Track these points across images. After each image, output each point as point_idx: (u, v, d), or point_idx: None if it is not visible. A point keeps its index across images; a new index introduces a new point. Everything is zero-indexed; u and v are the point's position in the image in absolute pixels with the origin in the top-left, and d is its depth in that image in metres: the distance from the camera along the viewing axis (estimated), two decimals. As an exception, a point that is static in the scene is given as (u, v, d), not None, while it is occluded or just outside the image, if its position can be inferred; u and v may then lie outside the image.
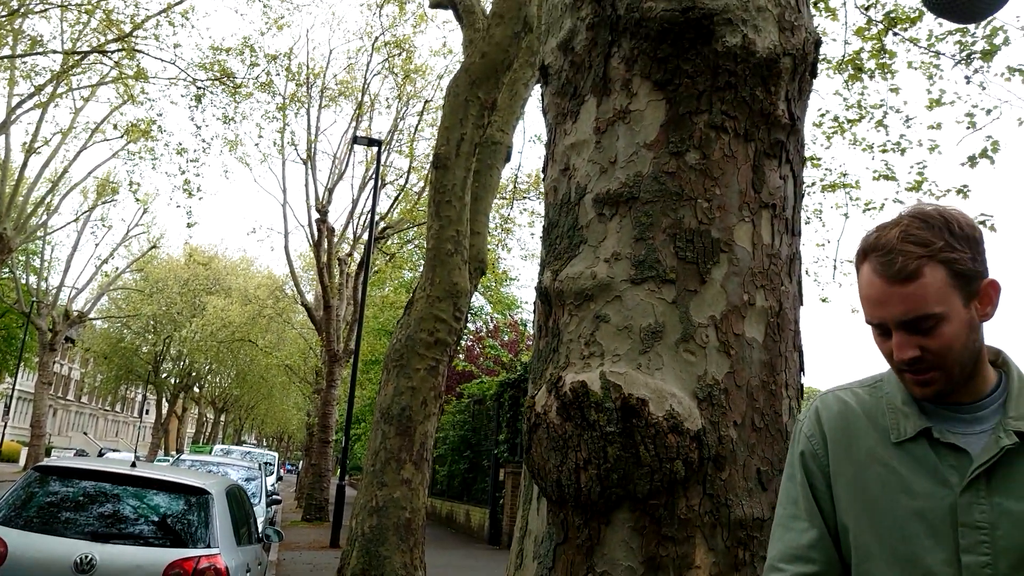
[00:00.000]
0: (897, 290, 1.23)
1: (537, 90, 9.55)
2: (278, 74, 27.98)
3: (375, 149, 18.58)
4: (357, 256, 22.55)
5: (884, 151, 10.30)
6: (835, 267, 12.92)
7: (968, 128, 9.33)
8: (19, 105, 22.39)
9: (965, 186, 9.38)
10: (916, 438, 1.27)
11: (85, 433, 70.06)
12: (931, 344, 1.23)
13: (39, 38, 19.38)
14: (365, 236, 21.13)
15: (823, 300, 12.85)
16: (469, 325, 25.08)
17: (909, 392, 1.30)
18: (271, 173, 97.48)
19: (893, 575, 1.24)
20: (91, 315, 39.80)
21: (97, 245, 78.83)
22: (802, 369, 2.11)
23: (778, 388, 1.96)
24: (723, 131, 2.01)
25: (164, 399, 54.20)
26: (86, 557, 4.55)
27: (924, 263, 1.22)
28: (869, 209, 11.01)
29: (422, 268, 8.50)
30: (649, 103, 2.04)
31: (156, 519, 5.04)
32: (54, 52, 19.53)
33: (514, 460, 15.85)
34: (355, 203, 23.55)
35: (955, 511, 1.21)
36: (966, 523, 1.20)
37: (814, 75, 2.25)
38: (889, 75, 9.53)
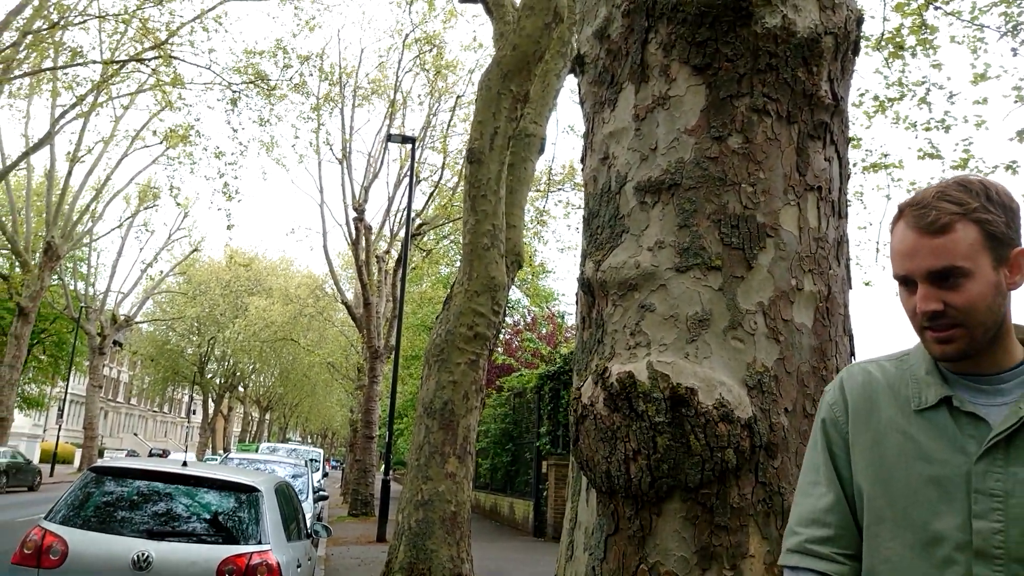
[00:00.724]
0: (927, 241, 1.26)
1: (570, 80, 9.51)
2: (311, 75, 28.24)
3: (409, 146, 18.68)
4: (394, 253, 22.71)
5: (928, 129, 10.07)
6: (878, 250, 12.63)
7: (1016, 102, 9.07)
8: (62, 116, 22.93)
9: (1014, 162, 9.14)
10: (937, 406, 1.30)
11: (135, 434, 71.75)
12: (955, 300, 1.25)
13: (79, 49, 19.82)
14: (402, 233, 21.26)
15: (866, 284, 12.64)
16: (507, 319, 25.13)
17: (930, 352, 1.31)
18: (308, 174, 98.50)
19: (904, 537, 1.27)
20: (137, 319, 40.74)
21: (141, 250, 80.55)
22: (853, 354, 2.07)
23: (829, 374, 1.93)
24: (765, 114, 1.98)
25: (210, 399, 55.26)
26: (143, 555, 4.66)
27: (957, 219, 1.25)
28: (913, 190, 10.77)
29: (459, 263, 8.53)
30: (688, 88, 2.02)
31: (208, 517, 5.14)
32: (94, 62, 19.96)
33: (556, 452, 15.85)
34: (391, 200, 23.71)
35: (970, 478, 1.23)
36: (980, 490, 1.22)
37: (856, 53, 2.20)
38: (931, 51, 9.29)
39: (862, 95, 10.71)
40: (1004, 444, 1.24)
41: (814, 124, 2.03)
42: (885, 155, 10.97)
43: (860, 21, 2.17)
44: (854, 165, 11.06)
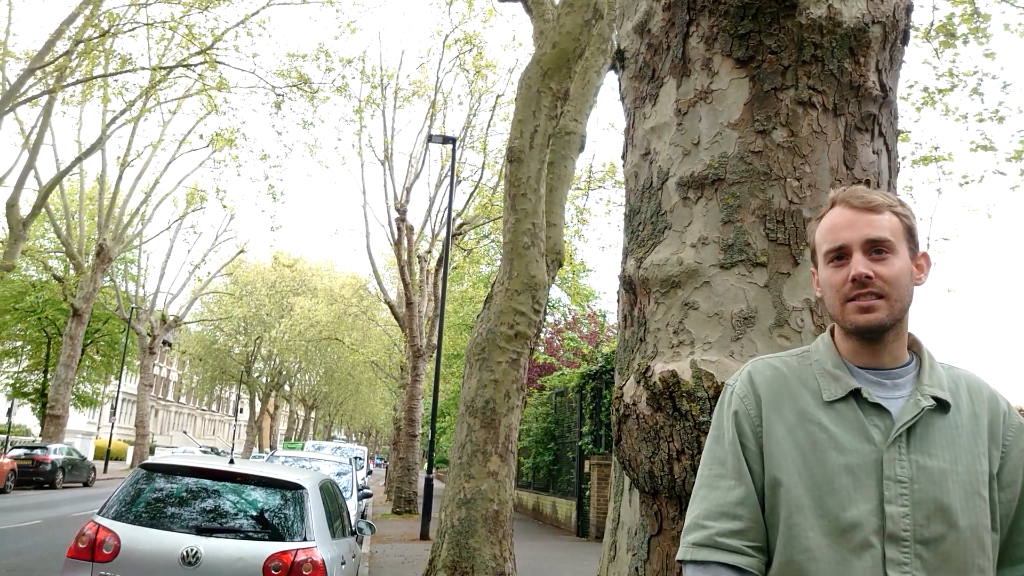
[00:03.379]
0: (865, 216, 1.40)
1: (610, 77, 9.44)
2: (353, 77, 28.54)
3: (449, 146, 18.75)
4: (436, 253, 22.83)
5: (980, 120, 9.77)
6: (928, 246, 12.32)
7: (1073, 91, 8.76)
8: (113, 121, 23.54)
9: (1072, 153, 8.82)
10: (846, 398, 1.37)
11: (184, 432, 73.35)
12: (883, 271, 1.36)
13: (128, 56, 20.31)
14: (443, 233, 21.37)
15: (917, 280, 12.31)
16: (548, 317, 25.09)
17: (851, 323, 1.38)
18: (350, 175, 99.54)
19: (822, 525, 1.31)
20: (186, 319, 41.64)
21: (189, 251, 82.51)
22: (904, 351, 2.02)
23: (879, 372, 1.88)
24: (811, 106, 1.93)
25: (257, 398, 56.25)
26: (192, 550, 4.75)
27: (886, 208, 1.41)
28: (966, 183, 10.47)
29: (499, 262, 8.53)
30: (731, 81, 1.98)
31: (255, 513, 5.22)
32: (142, 69, 20.44)
33: (598, 452, 15.78)
34: (432, 201, 23.85)
35: (880, 466, 1.32)
36: (889, 476, 1.31)
37: (906, 42, 2.14)
38: (984, 39, 9.01)
39: (911, 87, 10.44)
40: (906, 434, 1.34)
41: (861, 116, 1.98)
42: (935, 148, 10.69)
43: (909, 9, 2.10)
44: (903, 159, 10.80)
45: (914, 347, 1.46)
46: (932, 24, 9.14)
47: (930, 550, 1.28)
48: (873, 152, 2.00)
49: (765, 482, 1.38)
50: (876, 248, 1.38)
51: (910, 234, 1.42)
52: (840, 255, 1.40)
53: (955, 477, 1.32)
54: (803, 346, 1.53)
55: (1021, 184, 10.11)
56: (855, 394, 1.38)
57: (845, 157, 1.95)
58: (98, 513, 5.11)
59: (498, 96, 21.97)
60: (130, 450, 42.06)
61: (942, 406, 1.37)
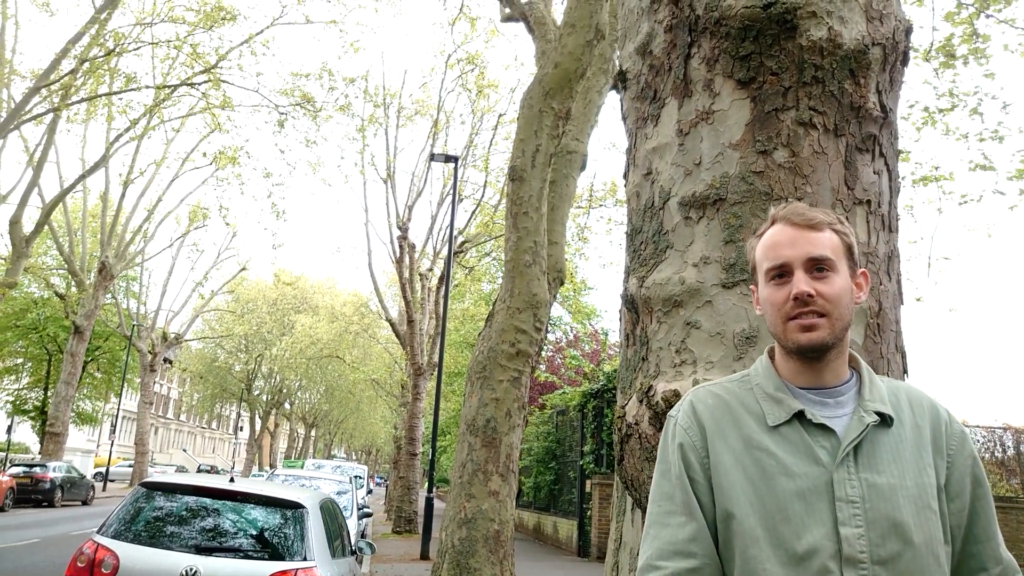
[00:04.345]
0: (806, 234, 1.39)
1: (611, 96, 9.50)
2: (356, 96, 28.70)
3: (452, 165, 18.84)
4: (437, 271, 22.86)
5: (981, 140, 9.82)
6: (929, 265, 12.34)
7: (1072, 111, 8.80)
8: (117, 139, 23.67)
9: (1072, 173, 8.85)
10: (790, 421, 1.35)
11: (184, 450, 73.10)
12: (825, 290, 1.35)
13: (133, 75, 20.45)
14: (444, 251, 21.41)
15: (918, 299, 12.32)
16: (549, 336, 25.06)
17: (793, 342, 1.36)
18: (352, 193, 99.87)
19: (778, 555, 1.27)
20: (187, 336, 41.63)
21: (191, 269, 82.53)
22: (905, 371, 2.01)
23: (882, 392, 1.87)
24: (812, 127, 1.94)
25: (257, 416, 56.10)
26: (191, 569, 4.72)
27: (826, 226, 1.41)
28: (965, 202, 10.50)
29: (501, 280, 8.54)
30: (733, 102, 2.00)
31: (254, 532, 5.19)
32: (147, 87, 20.58)
33: (600, 471, 15.71)
34: (434, 219, 23.92)
35: (831, 487, 1.29)
36: (841, 497, 1.29)
37: (906, 64, 2.16)
38: (983, 60, 9.08)
39: (911, 107, 10.50)
40: (853, 452, 1.32)
41: (862, 137, 1.99)
42: (936, 168, 10.73)
43: (909, 31, 2.12)
44: (903, 179, 10.83)
45: (853, 363, 1.45)
46: (932, 45, 9.21)
47: (888, 569, 1.26)
48: (874, 172, 2.01)
49: (717, 515, 1.35)
50: (817, 266, 1.37)
51: (850, 252, 1.42)
52: (781, 273, 1.39)
53: (905, 492, 1.31)
54: (738, 372, 1.52)
55: (1020, 203, 10.14)
56: (799, 416, 1.36)
57: (846, 177, 1.96)
58: (97, 532, 5.09)
59: (500, 115, 22.11)
60: (117, 468, 41.82)
61: (885, 421, 1.36)
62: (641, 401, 1.90)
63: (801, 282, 1.35)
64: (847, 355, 1.43)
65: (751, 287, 1.51)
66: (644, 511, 1.90)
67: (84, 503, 26.26)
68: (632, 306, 2.11)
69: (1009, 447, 16.50)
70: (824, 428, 1.34)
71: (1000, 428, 16.47)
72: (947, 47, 9.12)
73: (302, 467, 25.36)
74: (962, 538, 1.38)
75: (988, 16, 8.76)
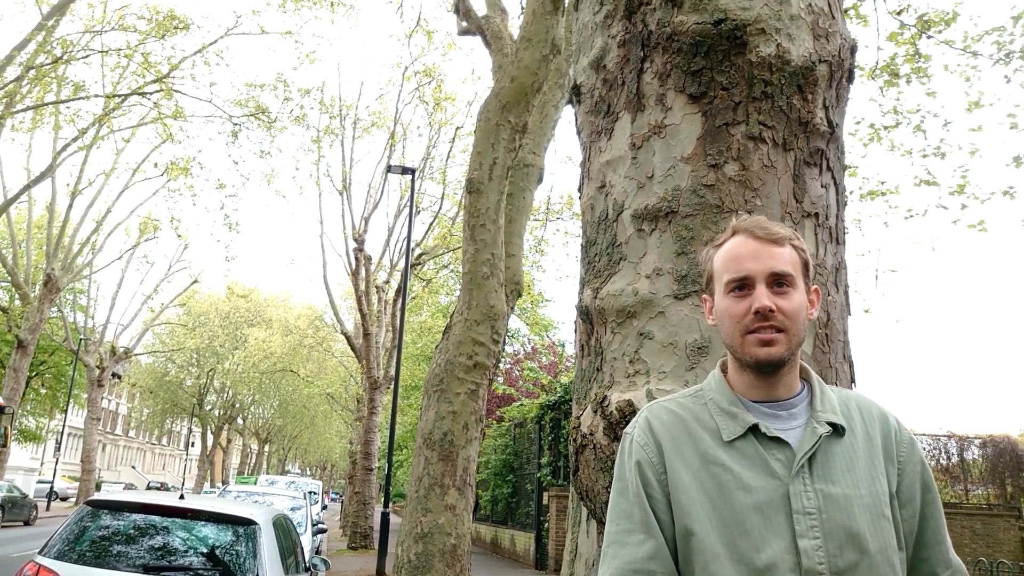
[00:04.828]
0: (769, 248, 1.39)
1: (567, 111, 9.58)
2: (312, 107, 28.46)
3: (409, 177, 18.78)
4: (394, 283, 22.73)
5: (924, 156, 10.12)
6: (876, 277, 12.66)
7: (1011, 128, 9.13)
8: (64, 149, 23.08)
9: (1011, 187, 9.18)
10: (745, 435, 1.36)
11: (133, 467, 71.18)
12: (784, 305, 1.36)
13: (81, 83, 19.97)
14: (401, 263, 21.30)
15: (866, 311, 12.62)
16: (507, 348, 25.06)
17: (751, 356, 1.37)
18: (308, 205, 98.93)
19: (739, 570, 1.27)
20: (136, 350, 40.63)
21: (141, 282, 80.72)
22: (853, 380, 2.06)
23: (830, 401, 1.91)
24: (761, 141, 1.98)
25: (209, 431, 54.95)
26: (138, 590, 4.59)
27: (787, 241, 1.41)
28: (911, 216, 10.81)
29: (459, 292, 8.52)
30: (684, 116, 2.03)
31: (205, 550, 5.07)
32: (96, 96, 20.12)
33: (557, 483, 15.72)
34: (391, 231, 23.79)
35: (787, 500, 1.30)
36: (798, 510, 1.29)
37: (851, 81, 2.22)
38: (925, 79, 9.38)
39: (858, 123, 10.80)
40: (807, 464, 1.33)
41: (810, 151, 2.04)
42: (882, 182, 11.03)
43: (854, 49, 2.18)
44: (851, 193, 11.11)
45: (804, 374, 1.46)
46: (877, 64, 9.48)
47: None
48: (821, 186, 2.06)
49: (676, 532, 1.34)
50: (778, 281, 1.37)
51: (806, 268, 1.43)
52: (742, 286, 1.39)
53: (859, 501, 1.31)
54: (691, 387, 1.52)
55: (962, 218, 10.46)
56: (753, 430, 1.36)
57: (795, 190, 2.00)
58: (39, 552, 4.91)
59: (457, 128, 22.13)
60: (75, 486, 40.59)
61: (837, 431, 1.37)
62: (596, 411, 1.90)
63: (763, 296, 1.36)
64: (797, 373, 1.44)
65: (703, 297, 1.52)
66: (599, 522, 1.91)
67: (26, 523, 25.39)
68: (587, 317, 2.12)
69: (953, 454, 16.97)
70: (778, 441, 1.35)
71: (945, 436, 16.94)
72: (891, 66, 9.40)
73: (255, 483, 24.89)
74: (913, 543, 1.40)
75: (929, 37, 9.06)
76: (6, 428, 19.84)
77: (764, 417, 1.38)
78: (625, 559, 1.34)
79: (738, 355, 1.40)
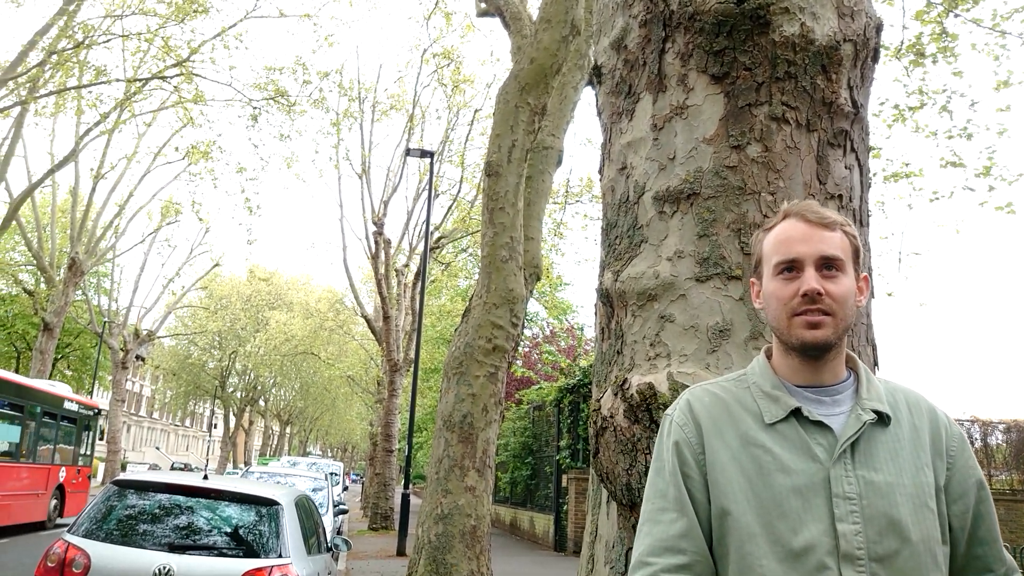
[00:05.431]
0: (820, 232, 1.39)
1: (587, 92, 9.52)
2: (330, 91, 28.50)
3: (427, 160, 18.76)
4: (413, 267, 22.79)
5: (950, 137, 9.97)
6: (899, 260, 12.52)
7: (1039, 109, 8.96)
8: (86, 133, 23.26)
9: (1038, 169, 9.01)
10: (787, 418, 1.36)
11: (157, 448, 72.27)
12: (833, 289, 1.36)
13: (103, 68, 20.10)
14: (420, 246, 21.34)
15: (889, 294, 12.49)
16: (526, 331, 25.09)
17: (798, 339, 1.36)
18: (327, 188, 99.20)
19: (775, 551, 1.28)
20: (159, 333, 41.10)
21: (163, 265, 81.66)
22: (876, 364, 2.04)
23: (852, 384, 1.90)
24: (784, 122, 1.96)
25: (231, 413, 55.59)
26: (164, 568, 4.67)
27: (838, 226, 1.41)
28: (936, 199, 10.66)
29: (477, 276, 8.53)
30: (707, 97, 2.01)
31: (229, 530, 5.15)
32: (117, 80, 20.24)
33: (576, 466, 15.77)
34: (410, 214, 23.82)
35: (828, 484, 1.30)
36: (838, 494, 1.29)
37: (876, 60, 2.18)
38: (952, 58, 9.21)
39: (882, 104, 10.62)
40: (850, 450, 1.33)
41: (834, 132, 2.01)
42: (906, 164, 10.88)
43: (879, 28, 2.15)
44: (874, 175, 10.97)
45: (851, 363, 1.45)
46: (902, 43, 9.32)
47: (885, 567, 1.26)
48: (845, 167, 2.03)
49: (712, 511, 1.35)
50: (828, 265, 1.37)
51: (856, 255, 1.42)
52: (791, 267, 1.39)
53: (902, 490, 1.31)
54: (734, 372, 1.53)
55: (989, 200, 10.32)
56: (796, 413, 1.36)
57: (818, 172, 1.98)
58: (68, 531, 5.02)
59: (476, 110, 22.04)
60: (101, 466, 41.30)
61: (883, 420, 1.37)
62: (616, 394, 1.90)
63: (812, 279, 1.35)
64: (844, 355, 1.43)
65: (751, 280, 1.52)
66: (619, 504, 1.91)
67: (54, 503, 25.83)
68: (607, 300, 2.12)
69: (977, 439, 16.81)
70: (821, 425, 1.35)
71: (968, 421, 16.78)
72: (917, 45, 9.24)
73: (275, 463, 25.17)
74: (966, 540, 1.39)
75: (956, 15, 8.89)
76: (101, 427, 20.73)
77: (807, 402, 1.38)
78: (657, 536, 1.35)
79: (784, 337, 1.40)
